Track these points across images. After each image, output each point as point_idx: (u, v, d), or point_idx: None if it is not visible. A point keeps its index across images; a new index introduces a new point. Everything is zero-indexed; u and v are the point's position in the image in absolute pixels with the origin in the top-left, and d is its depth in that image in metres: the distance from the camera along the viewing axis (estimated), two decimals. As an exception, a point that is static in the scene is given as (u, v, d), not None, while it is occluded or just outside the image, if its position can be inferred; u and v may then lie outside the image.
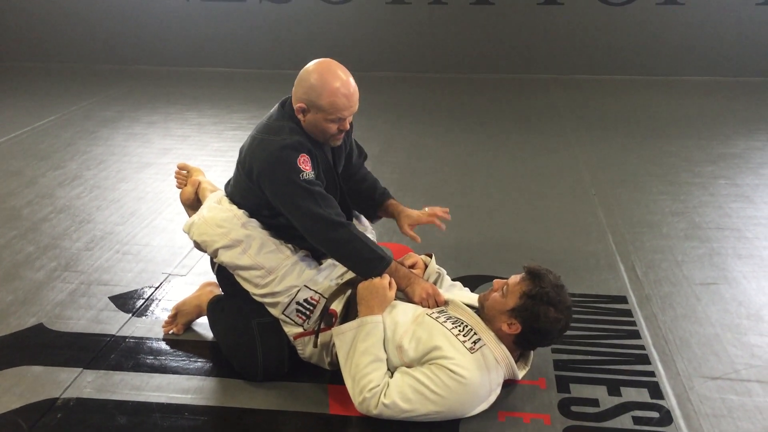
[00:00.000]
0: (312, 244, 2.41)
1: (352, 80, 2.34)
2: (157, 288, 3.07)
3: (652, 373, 2.45)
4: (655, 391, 2.36)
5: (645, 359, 2.54)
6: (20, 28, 8.03)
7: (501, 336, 2.17)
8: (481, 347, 2.13)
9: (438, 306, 2.32)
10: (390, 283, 2.26)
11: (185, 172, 2.95)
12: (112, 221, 3.78)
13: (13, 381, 2.42)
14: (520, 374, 2.27)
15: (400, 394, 2.08)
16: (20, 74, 7.57)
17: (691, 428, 2.19)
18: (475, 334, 2.16)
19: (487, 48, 7.45)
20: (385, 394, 2.09)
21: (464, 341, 2.13)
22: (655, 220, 3.76)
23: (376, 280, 2.25)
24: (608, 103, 6.35)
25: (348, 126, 2.39)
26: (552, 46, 7.36)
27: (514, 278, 2.19)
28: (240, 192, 2.50)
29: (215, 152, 4.94)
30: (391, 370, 2.18)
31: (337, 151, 2.55)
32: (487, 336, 2.16)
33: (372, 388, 2.09)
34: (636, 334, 2.70)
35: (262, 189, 2.36)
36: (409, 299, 2.36)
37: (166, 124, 5.69)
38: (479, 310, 2.24)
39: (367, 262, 2.32)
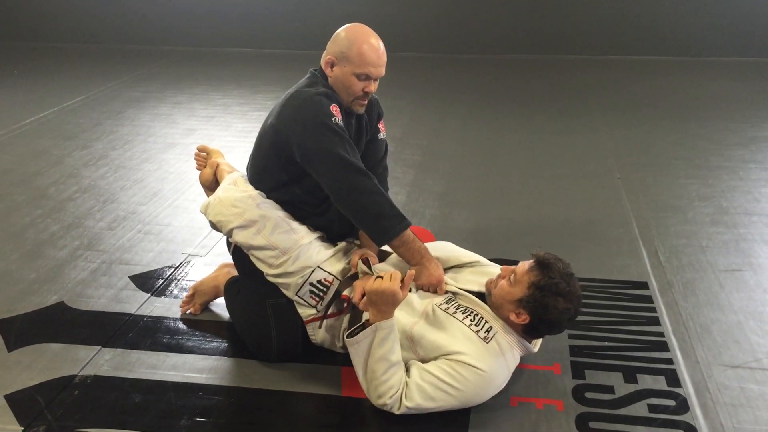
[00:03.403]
0: (327, 219, 2.44)
1: (382, 43, 2.37)
2: (176, 268, 3.09)
3: (670, 361, 2.41)
4: (673, 378, 2.32)
5: (663, 346, 2.49)
6: (50, 10, 8.12)
7: (510, 324, 2.14)
8: (494, 335, 2.11)
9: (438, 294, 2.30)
10: (402, 286, 2.10)
11: (205, 153, 2.96)
12: (135, 201, 3.82)
13: (33, 357, 2.46)
14: (535, 348, 2.24)
15: (422, 394, 2.05)
16: (50, 55, 7.65)
17: (707, 417, 2.15)
18: (486, 322, 2.14)
19: (514, 28, 7.35)
20: (406, 396, 2.06)
21: (477, 331, 2.11)
22: (681, 205, 3.68)
23: (386, 284, 2.06)
24: (639, 85, 6.22)
25: (373, 89, 2.38)
26: (581, 26, 7.22)
27: (522, 266, 2.14)
28: (262, 153, 2.48)
29: (239, 133, 4.96)
30: (405, 362, 2.15)
31: (358, 131, 2.52)
32: (497, 324, 2.14)
33: (392, 395, 2.06)
34: (656, 321, 2.65)
35: (289, 141, 2.32)
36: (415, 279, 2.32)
37: (191, 105, 5.72)
38: (487, 296, 2.21)
39: (386, 218, 2.25)
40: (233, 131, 5.02)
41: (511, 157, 4.46)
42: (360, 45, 2.32)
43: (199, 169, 2.95)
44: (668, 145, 4.59)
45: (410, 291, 2.32)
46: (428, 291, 2.31)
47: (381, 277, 2.07)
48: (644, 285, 2.91)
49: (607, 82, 6.33)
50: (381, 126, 2.64)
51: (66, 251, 3.24)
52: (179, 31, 7.90)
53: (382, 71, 2.38)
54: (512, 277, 2.13)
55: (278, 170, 2.43)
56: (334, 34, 2.40)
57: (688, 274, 2.99)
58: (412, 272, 2.14)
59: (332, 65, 2.37)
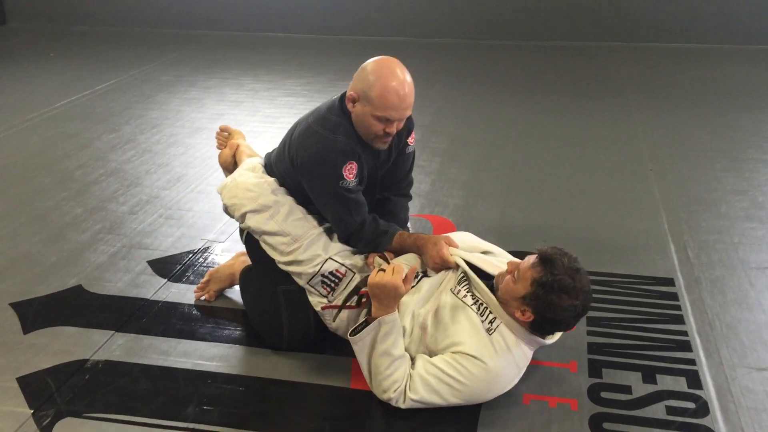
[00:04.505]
0: None
1: (409, 81, 2.21)
2: (194, 253, 3.08)
3: (692, 361, 2.33)
4: (694, 380, 2.23)
5: (686, 346, 2.41)
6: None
7: (516, 320, 2.07)
8: (497, 327, 2.05)
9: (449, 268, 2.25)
10: (405, 280, 2.08)
11: (226, 134, 2.94)
12: (159, 185, 3.82)
13: (48, 340, 2.48)
14: (550, 340, 2.15)
15: (426, 387, 2.02)
16: (86, 38, 7.74)
17: (728, 421, 2.06)
18: (491, 313, 2.08)
19: (549, 13, 7.20)
20: (410, 388, 2.03)
21: (483, 320, 2.06)
22: (715, 199, 3.56)
23: (387, 277, 2.05)
24: (677, 73, 6.04)
25: (395, 130, 2.25)
26: (618, 11, 7.04)
27: (526, 261, 2.04)
28: (280, 172, 2.47)
29: (266, 118, 4.94)
30: (412, 354, 2.12)
31: (387, 151, 2.43)
32: (504, 319, 2.07)
33: (397, 389, 2.04)
34: (680, 319, 2.56)
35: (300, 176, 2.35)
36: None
37: (221, 90, 5.72)
38: (495, 290, 2.14)
39: (374, 241, 2.36)
40: (260, 116, 5.01)
41: (539, 147, 4.36)
42: (382, 86, 2.16)
43: (219, 149, 2.94)
44: (705, 136, 4.44)
45: (428, 276, 2.28)
46: (440, 270, 2.26)
47: (384, 270, 2.03)
48: (670, 281, 2.81)
49: (643, 70, 6.16)
50: (410, 140, 2.52)
51: (87, 234, 3.26)
52: (213, 15, 7.92)
53: (405, 114, 2.24)
54: (516, 273, 2.04)
55: (295, 193, 2.43)
56: (360, 67, 2.25)
57: (717, 271, 2.89)
58: (414, 266, 2.10)
59: (354, 101, 2.25)
